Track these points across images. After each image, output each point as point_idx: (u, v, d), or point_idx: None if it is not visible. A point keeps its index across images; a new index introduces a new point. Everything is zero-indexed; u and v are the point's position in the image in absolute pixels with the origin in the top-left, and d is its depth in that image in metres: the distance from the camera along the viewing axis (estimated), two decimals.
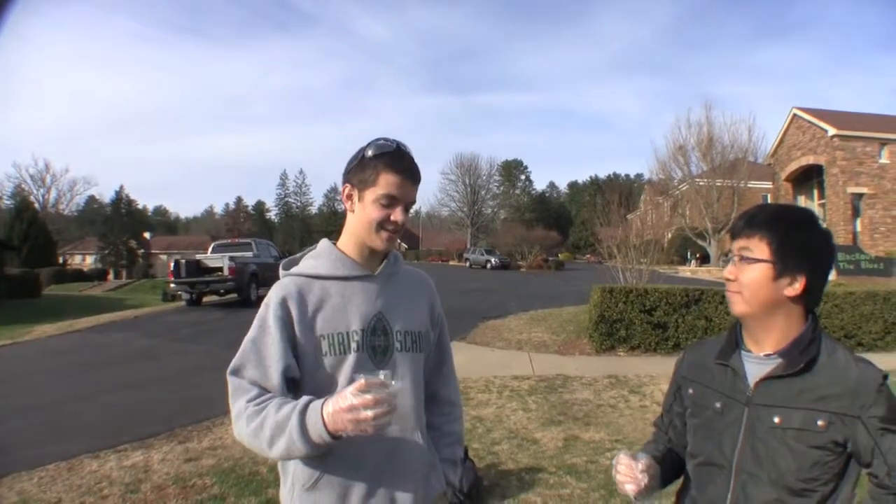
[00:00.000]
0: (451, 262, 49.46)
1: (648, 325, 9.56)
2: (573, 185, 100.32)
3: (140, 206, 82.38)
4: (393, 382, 1.42)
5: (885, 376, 1.43)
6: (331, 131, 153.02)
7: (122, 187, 73.50)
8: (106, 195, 75.76)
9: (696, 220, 32.10)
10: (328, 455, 1.54)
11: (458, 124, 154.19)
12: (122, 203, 71.47)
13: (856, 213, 21.97)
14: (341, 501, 1.58)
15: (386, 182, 1.62)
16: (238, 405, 1.55)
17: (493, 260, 38.98)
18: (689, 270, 28.79)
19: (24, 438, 5.70)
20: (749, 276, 1.46)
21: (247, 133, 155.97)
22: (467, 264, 41.47)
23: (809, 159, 23.43)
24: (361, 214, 1.65)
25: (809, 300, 1.47)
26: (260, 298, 1.93)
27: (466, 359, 8.93)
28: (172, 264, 16.71)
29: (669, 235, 37.87)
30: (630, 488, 1.52)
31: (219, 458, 5.02)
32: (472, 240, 60.98)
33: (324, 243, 1.75)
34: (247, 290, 16.26)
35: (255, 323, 1.63)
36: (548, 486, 4.56)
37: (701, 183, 32.57)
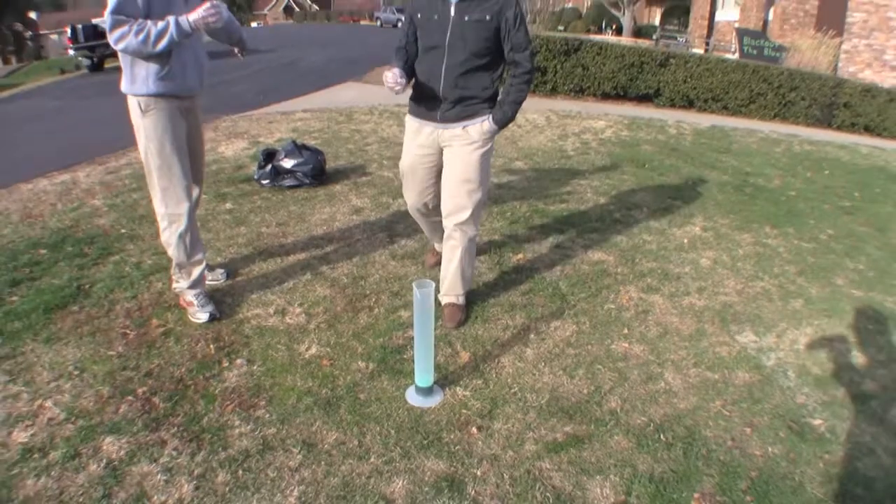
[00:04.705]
0: (363, 22, 48.23)
1: None
2: None
3: None
4: (221, 5, 2.58)
5: None
6: None
7: None
8: None
9: None
10: (173, 55, 2.74)
11: None
12: None
13: (770, 1, 21.95)
14: (182, 75, 2.80)
15: None
16: (122, 29, 2.60)
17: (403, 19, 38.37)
18: (602, 39, 28.95)
19: None
20: None
21: None
22: (378, 24, 40.69)
23: None
24: None
25: None
26: None
27: (357, 94, 9.85)
28: (69, 30, 16.30)
29: (588, 4, 37.34)
30: (398, 89, 2.74)
31: (134, 168, 5.95)
32: (385, 0, 58.68)
33: None
34: None
35: None
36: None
37: None
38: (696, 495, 2.16)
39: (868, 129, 11.29)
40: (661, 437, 2.45)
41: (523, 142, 7.25)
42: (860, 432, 2.59)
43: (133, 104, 2.85)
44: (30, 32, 62.36)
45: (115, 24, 2.60)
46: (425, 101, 2.96)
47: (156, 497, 2.06)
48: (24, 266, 3.74)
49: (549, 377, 2.80)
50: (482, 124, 2.92)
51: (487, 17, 2.78)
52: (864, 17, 17.32)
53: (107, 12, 2.61)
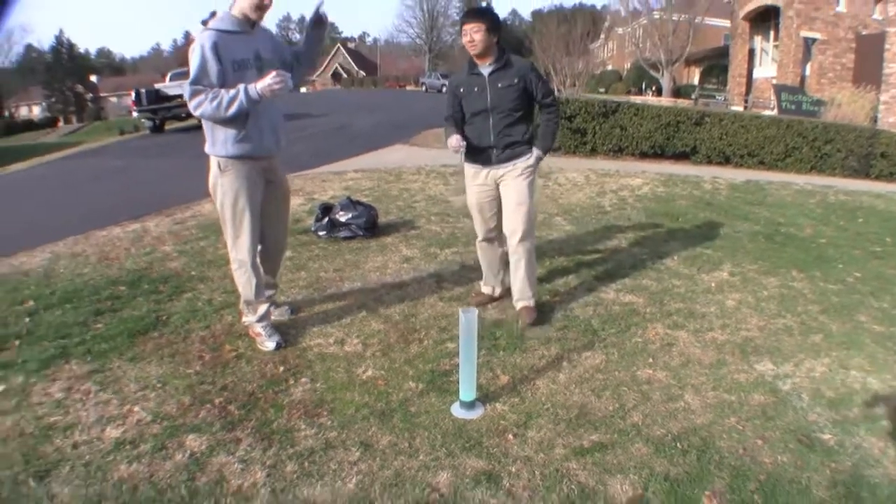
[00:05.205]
0: (409, 87, 49.84)
1: (569, 131, 10.72)
2: (537, 14, 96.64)
3: (82, 51, 78.57)
4: (287, 75, 3.03)
5: (532, 63, 3.54)
6: None
7: (61, 31, 69.61)
8: (45, 42, 71.26)
9: (652, 52, 32.19)
10: (248, 119, 3.19)
11: None
12: (62, 48, 68.27)
13: (807, 57, 22.24)
14: (258, 138, 3.25)
15: None
16: (199, 97, 3.08)
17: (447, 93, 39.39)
18: (642, 100, 29.26)
19: (37, 226, 7.11)
20: (480, 37, 3.52)
21: None
22: (423, 89, 41.96)
23: (768, 0, 23.29)
24: None
25: (498, 41, 3.61)
26: None
27: (404, 155, 10.40)
28: (133, 94, 17.50)
29: (628, 66, 38.13)
30: (461, 150, 3.62)
31: (199, 220, 6.50)
32: (429, 66, 60.52)
33: (222, 12, 3.24)
34: None
35: (198, 59, 3.09)
36: (447, 222, 6.21)
37: (657, 16, 32.42)
38: (706, 493, 2.42)
39: None
40: (678, 445, 2.72)
41: (563, 199, 7.62)
42: (869, 446, 2.81)
43: (213, 163, 3.34)
44: (90, 94, 66.08)
45: (193, 94, 3.09)
46: (480, 152, 3.78)
47: (233, 481, 2.42)
48: (106, 299, 4.24)
49: (578, 396, 3.09)
50: (527, 160, 3.76)
51: (515, 81, 3.63)
52: None
53: (187, 83, 3.11)
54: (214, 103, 3.08)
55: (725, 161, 11.18)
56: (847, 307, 4.46)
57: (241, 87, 3.08)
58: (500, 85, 3.63)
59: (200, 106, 3.10)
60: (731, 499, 2.41)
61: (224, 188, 3.33)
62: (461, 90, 3.77)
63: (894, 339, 3.98)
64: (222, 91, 3.09)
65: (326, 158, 10.23)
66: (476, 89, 3.68)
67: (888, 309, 4.48)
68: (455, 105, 3.82)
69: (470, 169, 3.90)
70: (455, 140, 3.61)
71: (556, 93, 3.72)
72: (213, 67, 3.09)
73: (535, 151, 3.77)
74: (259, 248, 3.67)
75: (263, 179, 3.45)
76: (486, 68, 3.65)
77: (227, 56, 3.12)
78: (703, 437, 2.80)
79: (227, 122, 3.18)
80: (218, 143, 3.27)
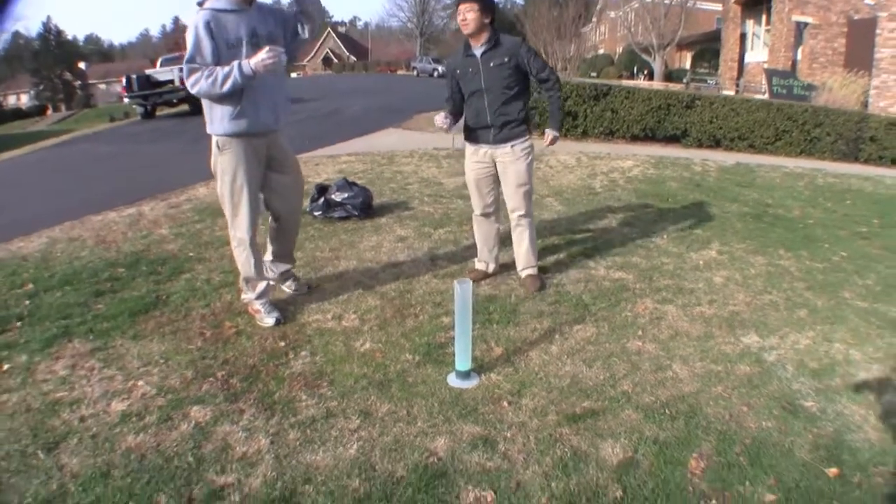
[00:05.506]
0: (400, 72, 49.68)
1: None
2: None
3: (70, 37, 77.77)
4: (280, 50, 3.04)
5: (523, 38, 3.55)
6: None
7: (48, 18, 68.84)
8: (32, 29, 70.37)
9: (644, 36, 32.11)
10: (244, 96, 3.22)
11: None
12: (50, 35, 67.62)
13: (799, 41, 22.20)
14: (254, 114, 3.29)
15: None
16: (195, 75, 3.15)
17: (439, 68, 39.25)
18: (633, 84, 29.22)
19: (33, 212, 7.14)
20: (473, 16, 3.64)
21: None
22: (415, 73, 41.86)
23: None
24: None
25: (492, 22, 3.73)
26: None
27: (397, 139, 10.45)
28: (124, 80, 17.46)
29: (620, 51, 38.11)
30: (445, 126, 3.87)
31: (194, 203, 6.54)
32: (421, 50, 60.23)
33: None
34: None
35: (192, 38, 3.15)
36: (441, 203, 6.27)
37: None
38: (694, 455, 2.52)
39: None
40: (667, 411, 2.82)
41: (554, 181, 7.70)
42: (850, 413, 2.91)
43: (213, 142, 3.40)
44: (79, 82, 65.57)
45: (190, 72, 3.17)
46: (478, 131, 3.96)
47: (238, 448, 2.51)
48: (105, 281, 4.30)
49: (570, 367, 3.19)
50: (524, 141, 3.96)
51: (506, 59, 3.76)
52: (893, 53, 17.22)
53: (184, 62, 3.17)
54: (210, 80, 3.15)
55: (716, 144, 11.28)
56: (832, 284, 4.57)
57: (235, 63, 3.15)
58: (492, 64, 3.77)
59: (197, 84, 3.16)
60: (717, 461, 2.51)
61: (223, 166, 3.40)
62: (457, 72, 3.94)
63: (877, 314, 4.08)
64: (217, 68, 3.16)
65: (319, 142, 10.26)
66: (471, 70, 3.85)
67: (872, 286, 4.59)
68: (454, 87, 4.01)
69: (469, 147, 4.08)
70: (440, 118, 3.87)
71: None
72: (206, 46, 3.16)
73: (550, 133, 3.98)
74: (275, 224, 3.78)
75: (264, 157, 3.51)
76: (478, 49, 3.80)
77: (220, 34, 3.19)
78: (691, 404, 2.90)
79: (223, 98, 3.24)
80: (216, 121, 3.34)
